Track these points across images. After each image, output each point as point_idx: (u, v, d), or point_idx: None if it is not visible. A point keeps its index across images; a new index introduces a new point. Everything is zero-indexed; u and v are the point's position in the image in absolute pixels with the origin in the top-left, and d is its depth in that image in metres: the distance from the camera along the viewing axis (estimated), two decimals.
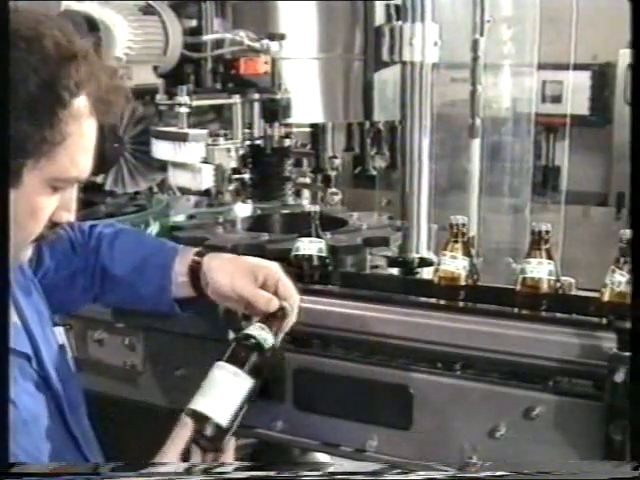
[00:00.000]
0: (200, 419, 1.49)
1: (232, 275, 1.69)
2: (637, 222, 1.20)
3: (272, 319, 1.64)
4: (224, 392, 1.52)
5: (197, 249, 1.80)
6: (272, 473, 1.36)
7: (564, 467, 1.28)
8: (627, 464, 1.19)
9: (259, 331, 1.59)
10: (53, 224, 1.34)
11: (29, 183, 1.24)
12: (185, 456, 1.45)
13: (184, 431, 1.46)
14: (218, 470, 1.45)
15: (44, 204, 1.29)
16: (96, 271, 1.78)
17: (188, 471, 1.41)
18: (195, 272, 1.73)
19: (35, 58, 1.19)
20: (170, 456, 1.43)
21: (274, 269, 1.71)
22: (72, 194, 1.35)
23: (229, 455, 1.51)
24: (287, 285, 1.70)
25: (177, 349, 2.20)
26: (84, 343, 2.24)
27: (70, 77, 1.22)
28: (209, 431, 1.49)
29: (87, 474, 1.28)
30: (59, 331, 1.59)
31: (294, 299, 1.70)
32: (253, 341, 1.56)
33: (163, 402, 2.23)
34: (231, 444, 1.52)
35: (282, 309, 1.66)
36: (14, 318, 1.41)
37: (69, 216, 1.36)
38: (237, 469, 1.46)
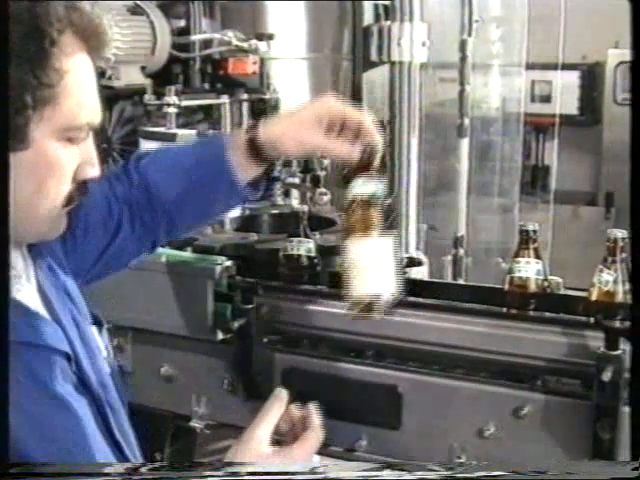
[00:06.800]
0: (371, 301, 1.44)
1: (295, 137, 1.53)
2: (637, 222, 1.19)
3: (364, 163, 1.49)
4: (376, 264, 1.45)
5: (249, 126, 1.63)
6: (264, 472, 1.34)
7: (563, 467, 1.27)
8: (627, 464, 1.19)
9: (365, 187, 1.47)
10: (79, 184, 1.25)
11: (40, 139, 1.17)
12: (278, 430, 1.41)
13: (278, 405, 1.43)
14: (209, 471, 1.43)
15: (62, 159, 1.21)
16: (155, 205, 1.60)
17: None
18: (254, 148, 1.55)
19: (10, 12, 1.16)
20: (265, 431, 1.39)
21: (333, 105, 1.54)
22: (90, 145, 1.26)
23: None
24: (352, 113, 1.53)
25: (166, 350, 2.20)
26: None
27: (49, 13, 1.17)
28: (386, 303, 1.44)
29: (88, 474, 1.24)
30: (94, 331, 1.48)
31: (366, 121, 1.52)
32: (366, 199, 1.45)
33: (152, 403, 2.23)
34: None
35: (367, 148, 1.49)
36: (47, 316, 1.31)
37: (94, 170, 1.26)
38: (231, 469, 1.45)
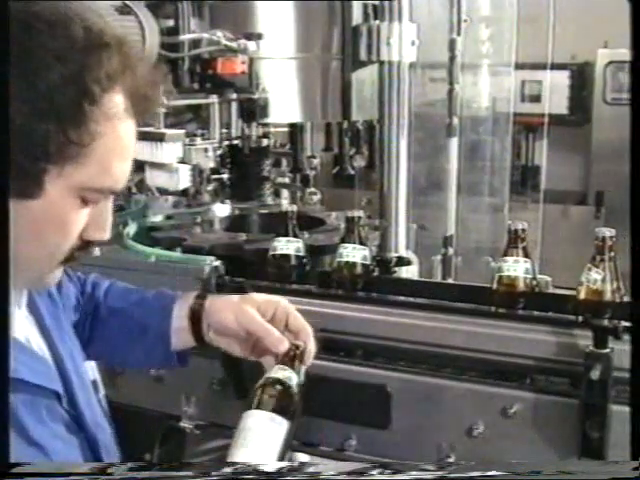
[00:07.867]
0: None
1: (237, 311, 1.52)
2: (637, 222, 1.19)
3: (289, 358, 1.51)
4: (263, 441, 1.40)
5: (198, 293, 1.63)
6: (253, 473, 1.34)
7: (561, 467, 1.27)
8: (627, 464, 1.19)
9: (282, 372, 1.47)
10: (83, 243, 1.15)
11: (54, 192, 1.06)
12: None
13: None
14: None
15: (72, 218, 1.10)
16: (87, 318, 1.57)
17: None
18: (196, 314, 1.55)
19: (60, 44, 1.02)
20: None
21: (283, 303, 1.57)
22: (107, 208, 1.16)
23: None
24: (297, 318, 1.56)
25: None
26: None
27: (101, 67, 1.04)
28: None
29: (89, 474, 1.22)
30: (91, 366, 1.45)
31: (306, 331, 1.55)
32: (279, 385, 1.44)
33: (142, 404, 2.22)
34: None
35: (296, 347, 1.53)
36: (44, 350, 1.26)
37: (102, 234, 1.17)
38: (219, 469, 1.44)
